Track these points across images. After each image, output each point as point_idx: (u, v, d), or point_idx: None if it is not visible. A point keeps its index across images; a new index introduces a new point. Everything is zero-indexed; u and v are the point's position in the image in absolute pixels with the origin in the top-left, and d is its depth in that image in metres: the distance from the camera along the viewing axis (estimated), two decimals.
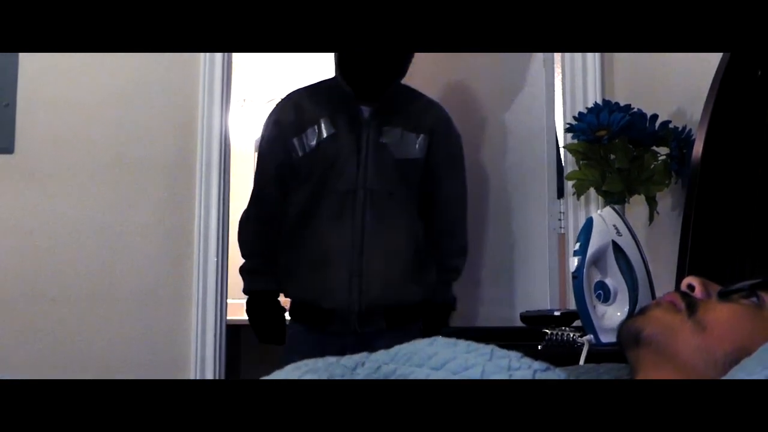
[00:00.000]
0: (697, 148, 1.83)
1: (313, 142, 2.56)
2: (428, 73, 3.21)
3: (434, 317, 2.63)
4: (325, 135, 2.56)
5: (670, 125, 2.02)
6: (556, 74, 2.75)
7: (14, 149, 2.61)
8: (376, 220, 2.53)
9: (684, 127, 2.00)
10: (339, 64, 2.59)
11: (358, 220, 2.52)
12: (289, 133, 2.59)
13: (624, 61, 2.55)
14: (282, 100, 2.72)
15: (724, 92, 1.71)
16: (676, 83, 2.18)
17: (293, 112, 2.63)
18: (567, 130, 2.19)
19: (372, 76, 2.56)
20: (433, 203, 2.68)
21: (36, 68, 2.66)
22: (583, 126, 2.03)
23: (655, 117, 2.02)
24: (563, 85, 2.69)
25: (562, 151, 2.67)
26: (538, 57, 2.76)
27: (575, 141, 2.10)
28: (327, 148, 2.55)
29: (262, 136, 2.72)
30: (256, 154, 2.77)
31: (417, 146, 2.60)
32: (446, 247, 2.71)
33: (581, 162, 2.08)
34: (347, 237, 2.52)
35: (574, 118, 2.10)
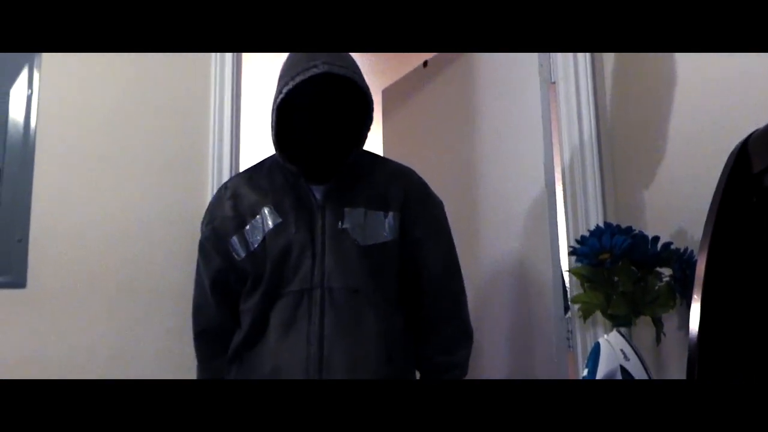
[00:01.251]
0: (699, 270, 1.85)
1: (258, 237, 2.13)
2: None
3: None
4: (270, 226, 2.13)
5: (672, 246, 2.05)
6: (557, 197, 2.79)
7: (27, 284, 2.64)
8: (338, 325, 2.06)
9: (686, 249, 2.03)
10: (276, 140, 2.13)
11: (315, 326, 2.05)
12: (228, 232, 2.18)
13: (624, 183, 2.60)
14: (217, 192, 2.33)
15: (723, 217, 1.75)
16: (676, 204, 2.22)
17: (230, 205, 2.22)
18: (570, 254, 2.23)
19: (320, 155, 2.16)
20: (419, 288, 2.23)
21: (48, 203, 2.71)
22: (586, 250, 2.07)
23: (656, 239, 2.06)
24: (565, 208, 2.74)
25: (566, 273, 2.70)
26: (540, 180, 2.81)
27: (579, 264, 2.14)
28: (274, 241, 2.11)
29: (199, 241, 2.29)
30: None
31: (386, 226, 2.16)
32: (445, 336, 2.24)
33: (586, 285, 2.11)
34: (302, 348, 2.05)
35: (577, 241, 2.14)
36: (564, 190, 2.77)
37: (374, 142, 2.85)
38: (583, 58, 2.82)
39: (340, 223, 2.12)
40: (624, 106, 2.64)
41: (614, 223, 2.20)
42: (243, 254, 2.15)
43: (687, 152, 2.17)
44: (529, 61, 2.94)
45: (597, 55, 2.84)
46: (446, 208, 2.38)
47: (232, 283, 2.20)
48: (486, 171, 3.19)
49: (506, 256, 2.99)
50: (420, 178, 2.33)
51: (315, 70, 2.00)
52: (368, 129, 2.18)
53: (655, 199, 2.36)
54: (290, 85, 2.02)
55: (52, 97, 2.78)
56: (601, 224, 2.40)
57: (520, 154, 2.96)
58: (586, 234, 2.15)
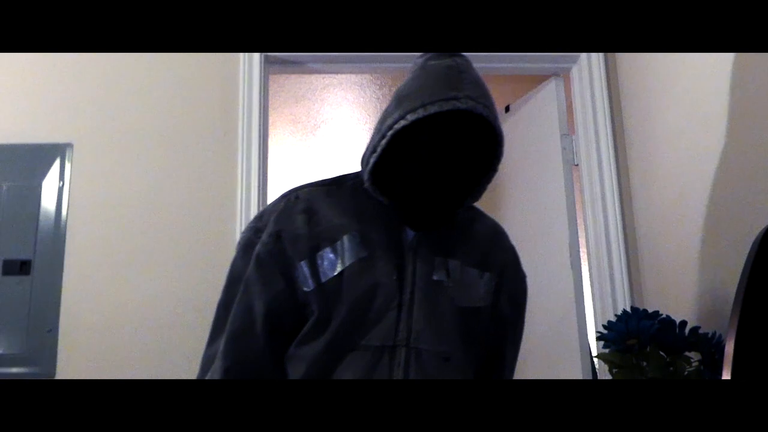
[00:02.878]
0: (728, 354, 1.83)
1: (334, 270, 1.66)
2: None
3: None
4: (351, 259, 1.67)
5: (700, 331, 2.04)
6: (584, 281, 2.79)
7: (56, 374, 2.66)
8: None
9: (714, 333, 2.01)
10: (372, 174, 1.69)
11: None
12: (298, 253, 1.68)
13: (650, 266, 2.60)
14: (285, 197, 1.79)
15: (749, 301, 1.74)
16: (703, 288, 2.21)
17: (303, 220, 1.71)
18: (598, 339, 2.21)
19: (424, 198, 1.70)
20: (492, 368, 1.84)
21: (78, 294, 2.74)
22: (613, 335, 2.06)
23: (684, 323, 2.05)
24: (592, 289, 2.74)
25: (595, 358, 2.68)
26: (566, 261, 2.81)
27: (607, 350, 2.12)
28: (356, 279, 1.65)
29: (243, 247, 1.78)
30: (228, 279, 1.82)
31: (483, 289, 1.76)
32: None
33: (614, 371, 2.09)
34: None
35: (604, 326, 2.13)
36: (590, 271, 2.78)
37: None
38: (606, 141, 2.84)
39: (434, 274, 1.70)
40: (648, 189, 2.65)
41: (641, 306, 2.19)
42: (312, 286, 1.66)
43: (712, 236, 2.17)
44: (552, 143, 2.97)
45: (619, 137, 2.86)
46: None
47: (286, 319, 1.69)
48: None
49: (534, 338, 2.96)
50: (512, 244, 1.92)
51: (456, 104, 1.58)
52: (490, 180, 1.75)
53: (682, 282, 2.35)
54: (420, 114, 1.58)
55: (82, 189, 2.83)
56: (628, 306, 2.39)
57: (545, 234, 2.97)
58: (613, 318, 2.14)
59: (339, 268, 1.65)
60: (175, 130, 2.91)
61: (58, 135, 2.87)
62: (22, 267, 2.74)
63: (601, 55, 2.96)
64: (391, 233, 1.70)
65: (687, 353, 2.05)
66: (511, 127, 3.27)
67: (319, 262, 1.66)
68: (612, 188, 2.79)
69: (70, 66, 2.93)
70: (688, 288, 2.30)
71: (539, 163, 3.05)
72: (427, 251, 1.70)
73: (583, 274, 2.80)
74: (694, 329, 2.03)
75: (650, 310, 2.11)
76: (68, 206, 2.81)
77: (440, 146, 1.62)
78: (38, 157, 2.85)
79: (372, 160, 1.65)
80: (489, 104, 1.63)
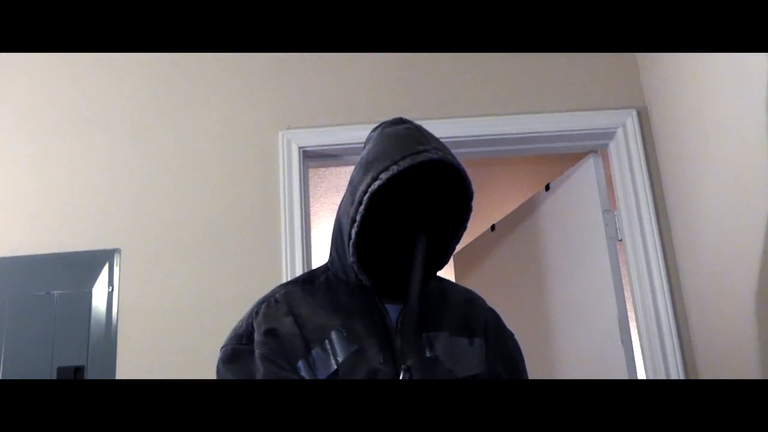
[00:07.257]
0: None
1: (327, 369, 1.61)
2: None
3: None
4: (344, 355, 1.61)
5: None
6: (636, 355, 2.76)
7: None
8: None
9: None
10: (355, 248, 1.62)
11: None
12: (296, 352, 1.62)
13: (702, 339, 2.56)
14: (263, 302, 1.72)
15: None
16: (756, 361, 2.18)
17: (291, 322, 1.66)
18: None
19: (402, 267, 1.63)
20: None
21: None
22: None
23: None
24: (645, 366, 2.71)
25: None
26: (616, 338, 2.78)
27: None
28: (352, 374, 1.61)
29: (230, 357, 1.68)
30: None
31: (476, 355, 1.72)
32: None
33: None
34: None
35: None
36: (641, 347, 2.74)
37: None
38: (648, 215, 2.84)
39: (427, 351, 1.66)
40: (694, 261, 2.62)
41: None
42: None
43: (763, 308, 2.14)
44: (594, 219, 2.96)
45: (662, 210, 2.85)
46: None
47: None
48: (559, 330, 3.16)
49: None
50: (489, 304, 1.90)
51: (428, 155, 1.56)
52: (459, 239, 1.73)
53: (734, 356, 2.31)
54: (393, 171, 1.55)
55: (131, 293, 2.87)
56: None
57: (593, 311, 2.94)
58: None
59: (333, 366, 1.60)
60: (218, 229, 2.95)
61: (106, 241, 2.93)
62: (76, 373, 2.78)
63: (637, 128, 2.96)
64: (375, 320, 1.67)
65: None
66: (552, 206, 3.28)
67: (313, 361, 1.61)
68: (658, 262, 2.77)
69: (112, 174, 3.01)
70: (741, 362, 2.26)
71: (582, 240, 3.04)
72: (412, 329, 1.63)
73: (634, 349, 2.77)
74: None
75: None
76: (118, 311, 2.85)
77: (415, 201, 1.60)
78: (87, 264, 2.91)
79: (354, 231, 1.60)
80: (455, 157, 1.61)
